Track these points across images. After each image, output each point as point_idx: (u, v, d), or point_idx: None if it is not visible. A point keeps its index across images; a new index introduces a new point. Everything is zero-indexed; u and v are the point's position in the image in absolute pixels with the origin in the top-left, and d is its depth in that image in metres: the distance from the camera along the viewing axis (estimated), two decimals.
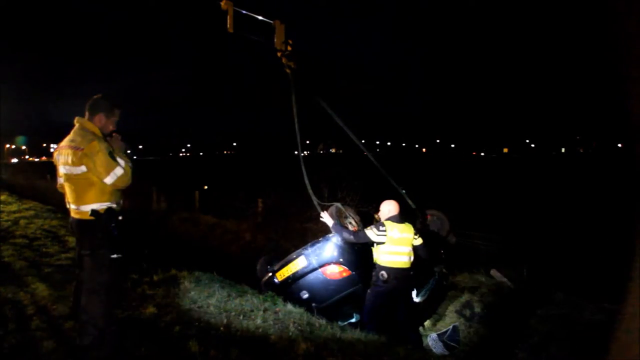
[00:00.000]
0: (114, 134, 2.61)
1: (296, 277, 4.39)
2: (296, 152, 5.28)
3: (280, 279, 4.52)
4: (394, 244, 4.01)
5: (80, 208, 2.45)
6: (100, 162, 2.39)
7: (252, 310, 3.67)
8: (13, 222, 7.43)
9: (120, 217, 2.48)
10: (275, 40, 4.91)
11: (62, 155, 2.47)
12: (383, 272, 3.99)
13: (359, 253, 4.34)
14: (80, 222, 2.47)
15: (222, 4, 4.42)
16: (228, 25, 4.48)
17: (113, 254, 2.43)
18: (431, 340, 4.49)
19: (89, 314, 2.41)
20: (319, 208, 4.93)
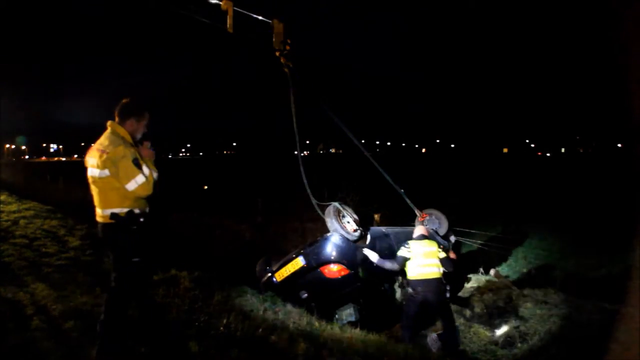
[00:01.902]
0: (144, 142, 2.63)
1: (295, 277, 4.40)
2: (296, 152, 5.28)
3: (279, 279, 4.53)
4: (421, 257, 4.39)
5: (104, 212, 2.47)
6: (122, 168, 2.40)
7: (252, 310, 3.68)
8: (13, 222, 7.42)
9: (141, 220, 2.49)
10: (273, 39, 4.91)
11: (89, 158, 2.50)
12: (413, 285, 4.38)
13: (357, 252, 4.35)
14: (104, 226, 2.49)
15: (222, 4, 4.42)
16: (228, 25, 4.48)
17: (134, 257, 2.47)
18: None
19: (110, 315, 2.47)
20: (317, 208, 4.93)
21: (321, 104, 5.20)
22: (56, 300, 3.53)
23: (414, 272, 4.41)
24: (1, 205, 9.24)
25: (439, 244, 4.66)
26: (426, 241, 4.55)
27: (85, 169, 2.55)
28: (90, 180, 2.51)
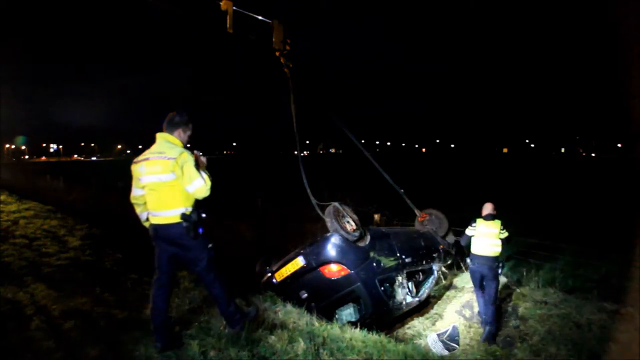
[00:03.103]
0: (194, 151, 2.83)
1: (295, 277, 4.39)
2: (295, 152, 5.28)
3: (279, 279, 4.52)
4: (482, 237, 5.02)
5: (168, 213, 2.73)
6: (187, 171, 2.67)
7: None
8: (13, 222, 7.42)
9: (203, 215, 2.80)
10: (273, 39, 4.91)
11: (149, 166, 2.74)
12: (472, 259, 5.10)
13: (357, 252, 4.35)
14: (170, 226, 2.75)
15: (222, 4, 4.42)
16: (228, 25, 4.48)
17: (209, 244, 2.85)
18: (431, 340, 4.50)
19: (221, 299, 2.91)
20: (317, 208, 4.93)
21: (321, 104, 5.20)
22: (56, 300, 3.53)
23: (475, 248, 5.09)
24: (1, 205, 9.24)
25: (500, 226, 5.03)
26: (491, 222, 5.03)
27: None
28: (150, 186, 2.77)
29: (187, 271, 4.52)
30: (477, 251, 5.06)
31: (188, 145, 2.89)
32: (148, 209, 2.86)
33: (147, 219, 2.92)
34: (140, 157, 2.81)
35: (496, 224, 4.99)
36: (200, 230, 2.77)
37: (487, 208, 5.14)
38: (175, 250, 2.81)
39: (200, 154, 2.87)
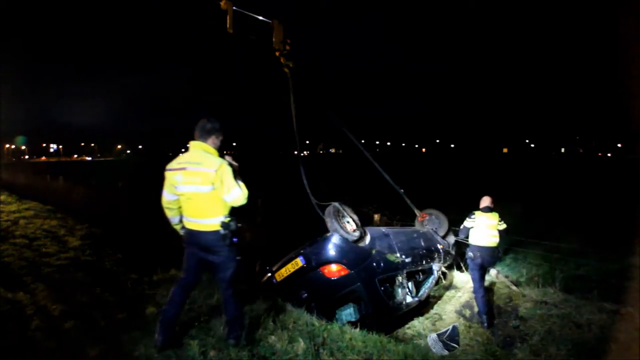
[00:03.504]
0: (226, 157, 2.86)
1: (295, 277, 4.39)
2: (295, 152, 5.28)
3: (279, 279, 4.52)
4: (481, 228, 5.24)
5: (207, 221, 2.79)
6: (226, 182, 2.74)
7: (251, 311, 3.67)
8: (13, 222, 7.42)
9: (239, 225, 2.85)
10: (273, 39, 4.91)
11: (186, 176, 2.77)
12: (472, 250, 5.29)
13: (357, 252, 4.35)
14: (207, 233, 2.80)
15: (222, 4, 4.42)
16: (228, 25, 4.47)
17: (237, 257, 2.89)
18: (431, 340, 4.49)
19: (231, 310, 2.90)
20: (317, 208, 4.93)
21: (321, 104, 5.19)
22: (56, 300, 3.53)
23: (474, 239, 5.29)
24: (1, 205, 9.24)
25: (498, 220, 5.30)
26: (489, 214, 5.27)
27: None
28: (187, 195, 2.80)
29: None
30: (477, 242, 5.27)
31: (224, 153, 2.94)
32: (183, 214, 2.92)
33: (178, 223, 2.98)
34: (175, 165, 2.82)
35: (494, 216, 5.26)
36: (235, 240, 2.83)
37: (485, 201, 5.38)
38: (205, 255, 2.87)
39: (231, 159, 2.89)
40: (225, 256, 2.84)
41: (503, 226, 5.29)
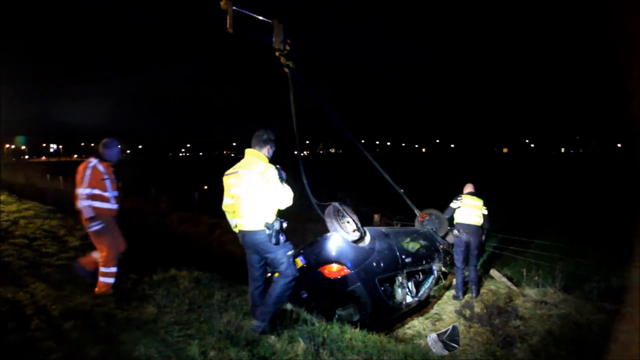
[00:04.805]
0: (277, 166, 3.11)
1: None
2: (295, 152, 5.29)
3: None
4: (467, 207, 5.74)
5: (253, 221, 3.05)
6: (273, 186, 2.99)
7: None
8: (13, 222, 7.42)
9: (285, 224, 3.07)
10: (273, 39, 4.90)
11: (238, 178, 3.08)
12: (458, 228, 5.73)
13: (357, 252, 4.34)
14: (254, 233, 3.06)
15: (222, 4, 4.42)
16: (228, 25, 4.47)
17: (288, 252, 3.09)
18: (431, 340, 4.50)
19: (273, 297, 3.09)
20: (317, 208, 4.93)
21: (321, 104, 5.20)
22: (56, 300, 3.52)
23: (461, 218, 5.75)
24: (1, 205, 9.24)
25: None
26: (474, 197, 5.82)
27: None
28: (237, 196, 3.10)
29: (187, 271, 4.53)
30: (463, 220, 5.72)
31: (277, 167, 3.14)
32: (235, 217, 3.21)
33: (236, 225, 3.25)
34: (231, 170, 3.15)
35: (479, 200, 5.80)
36: (283, 238, 3.05)
37: (469, 187, 5.98)
38: (258, 253, 3.14)
39: (279, 166, 3.13)
40: (275, 253, 3.05)
41: (486, 212, 5.81)
